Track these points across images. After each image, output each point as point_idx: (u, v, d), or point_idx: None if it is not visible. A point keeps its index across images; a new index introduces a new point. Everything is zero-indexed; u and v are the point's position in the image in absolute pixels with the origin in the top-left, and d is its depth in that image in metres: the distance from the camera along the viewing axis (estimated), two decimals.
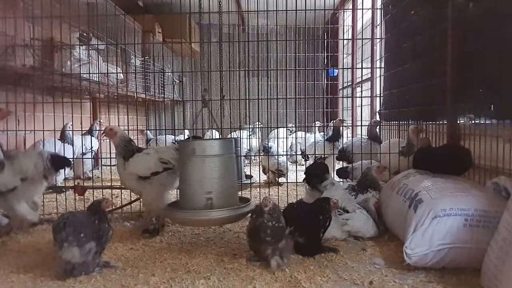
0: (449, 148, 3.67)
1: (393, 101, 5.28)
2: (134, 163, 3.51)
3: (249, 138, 7.92)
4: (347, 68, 8.45)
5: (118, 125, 4.88)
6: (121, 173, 3.60)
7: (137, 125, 7.19)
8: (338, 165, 5.58)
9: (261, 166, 5.97)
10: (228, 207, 3.07)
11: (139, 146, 3.89)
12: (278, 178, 5.87)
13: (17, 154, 3.51)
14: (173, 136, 7.07)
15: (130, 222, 3.88)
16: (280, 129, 7.70)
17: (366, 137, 5.28)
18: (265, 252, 2.67)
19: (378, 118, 5.81)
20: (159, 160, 3.51)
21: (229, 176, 3.16)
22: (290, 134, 8.00)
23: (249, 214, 2.97)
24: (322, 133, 7.38)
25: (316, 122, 8.04)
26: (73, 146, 5.41)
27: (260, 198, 4.25)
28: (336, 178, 4.65)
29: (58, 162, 3.60)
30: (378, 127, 5.49)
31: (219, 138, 3.69)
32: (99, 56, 5.74)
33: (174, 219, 3.40)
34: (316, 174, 3.74)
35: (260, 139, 8.33)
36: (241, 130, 6.87)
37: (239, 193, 4.21)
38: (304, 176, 3.94)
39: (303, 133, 7.30)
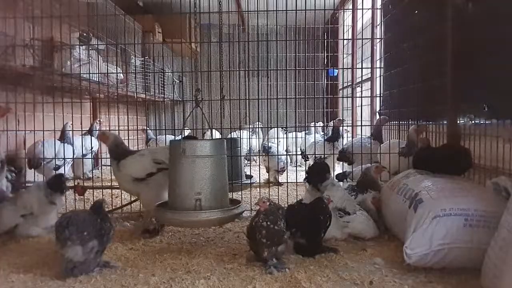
0: (449, 148, 3.67)
1: (393, 101, 5.28)
2: (128, 165, 3.52)
3: (249, 138, 7.92)
4: (347, 68, 8.45)
5: (118, 125, 4.88)
6: (117, 175, 3.62)
7: (137, 125, 7.17)
8: (338, 165, 5.57)
9: (264, 166, 5.99)
10: (217, 209, 3.05)
11: (137, 147, 3.90)
12: (279, 176, 5.90)
13: (21, 194, 3.56)
14: (173, 136, 7.06)
15: (130, 222, 3.88)
16: (280, 129, 7.71)
17: (368, 135, 5.28)
18: (262, 254, 2.67)
19: (378, 117, 5.80)
20: (153, 161, 3.51)
21: (219, 177, 3.12)
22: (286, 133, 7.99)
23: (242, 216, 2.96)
24: (322, 133, 7.39)
25: (310, 123, 8.01)
26: (73, 146, 5.41)
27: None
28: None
29: (55, 184, 3.56)
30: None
31: (210, 139, 3.68)
32: (99, 56, 5.74)
33: (163, 219, 3.37)
34: (317, 173, 3.74)
35: (261, 139, 8.33)
36: (241, 130, 6.87)
37: (239, 193, 4.22)
38: (305, 175, 3.94)
39: (303, 133, 7.30)
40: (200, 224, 3.31)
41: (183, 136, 6.86)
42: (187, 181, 3.06)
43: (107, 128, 5.35)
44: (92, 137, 5.97)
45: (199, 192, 3.03)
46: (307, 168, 4.01)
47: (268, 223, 2.66)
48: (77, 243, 2.51)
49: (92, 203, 2.95)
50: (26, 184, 4.24)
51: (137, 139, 7.80)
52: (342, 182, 4.53)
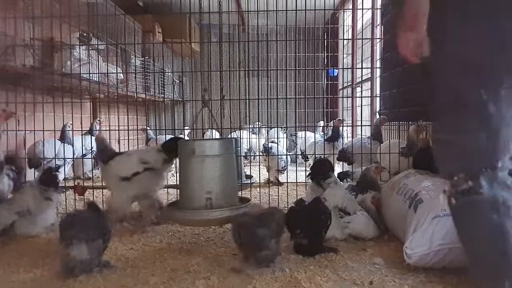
0: None
1: (393, 101, 5.28)
2: (115, 164, 3.57)
3: (250, 138, 7.93)
4: (347, 68, 8.45)
5: (118, 125, 4.88)
6: (105, 176, 3.70)
7: (137, 125, 7.18)
8: (338, 165, 5.58)
9: (265, 166, 5.99)
10: (228, 207, 3.08)
11: (137, 147, 3.92)
12: (279, 176, 5.91)
13: (17, 194, 3.60)
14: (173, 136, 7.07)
15: (130, 222, 3.88)
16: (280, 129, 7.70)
17: (368, 136, 5.27)
18: (253, 256, 2.65)
19: (378, 117, 5.80)
20: (140, 160, 3.54)
21: (229, 176, 3.16)
22: (291, 136, 8.01)
23: None
24: (322, 133, 7.40)
25: (320, 122, 8.06)
26: (73, 147, 5.41)
27: (260, 198, 4.27)
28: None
29: (47, 179, 3.58)
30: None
31: (219, 138, 3.72)
32: (99, 56, 5.74)
33: (174, 219, 3.40)
34: (321, 170, 3.75)
35: (264, 139, 8.35)
36: (241, 130, 6.88)
37: (239, 193, 4.21)
38: (308, 172, 3.95)
39: (303, 133, 7.31)
40: (211, 223, 3.34)
41: (184, 136, 6.85)
42: (197, 180, 3.09)
43: (107, 128, 5.35)
44: (92, 137, 5.97)
45: (210, 191, 3.06)
46: (311, 165, 4.01)
47: (259, 226, 2.63)
48: (83, 241, 2.51)
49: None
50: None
51: (137, 139, 7.80)
52: (342, 182, 4.52)
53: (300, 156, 7.23)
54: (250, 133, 8.30)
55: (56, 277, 2.55)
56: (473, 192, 1.46)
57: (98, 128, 6.13)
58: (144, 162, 3.53)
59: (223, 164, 3.12)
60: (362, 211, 3.36)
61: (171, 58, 9.13)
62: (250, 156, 7.59)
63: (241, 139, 6.32)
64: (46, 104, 4.40)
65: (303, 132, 7.34)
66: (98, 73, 5.43)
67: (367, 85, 7.28)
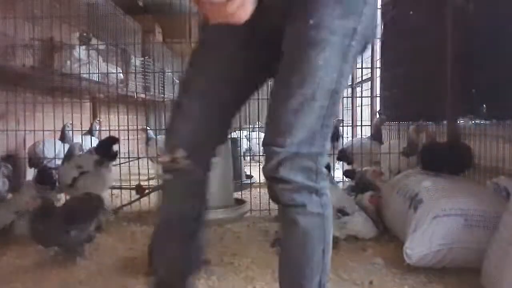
0: (451, 146, 3.65)
1: (393, 101, 5.28)
2: (59, 173, 3.70)
3: (250, 138, 7.92)
4: None
5: (118, 125, 4.89)
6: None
7: (137, 125, 7.17)
8: (338, 165, 5.57)
9: None
10: (223, 208, 3.08)
11: (137, 147, 3.95)
12: None
13: (14, 196, 3.64)
14: None
15: (129, 222, 3.88)
16: None
17: (367, 136, 5.27)
18: None
19: (378, 117, 5.79)
20: (75, 166, 3.61)
21: (224, 177, 3.16)
22: None
23: None
24: None
25: None
26: None
27: (260, 198, 4.26)
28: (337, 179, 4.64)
29: (43, 178, 3.67)
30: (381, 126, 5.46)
31: None
32: (99, 56, 5.73)
33: None
34: None
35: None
36: (241, 130, 6.87)
37: (239, 193, 4.23)
38: None
39: None
40: (207, 224, 3.35)
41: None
42: None
43: (107, 128, 5.35)
44: (93, 137, 5.96)
45: None
46: None
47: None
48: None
49: None
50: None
51: (137, 139, 7.78)
52: (349, 180, 4.50)
53: None
54: (251, 132, 8.29)
55: (57, 277, 2.56)
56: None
57: (98, 128, 6.12)
58: (78, 166, 3.59)
59: (219, 164, 3.12)
60: (360, 211, 3.35)
61: (171, 58, 9.13)
62: (249, 156, 7.59)
63: (241, 139, 6.31)
64: (46, 104, 4.40)
65: None
66: (98, 73, 5.43)
67: (367, 85, 7.28)
